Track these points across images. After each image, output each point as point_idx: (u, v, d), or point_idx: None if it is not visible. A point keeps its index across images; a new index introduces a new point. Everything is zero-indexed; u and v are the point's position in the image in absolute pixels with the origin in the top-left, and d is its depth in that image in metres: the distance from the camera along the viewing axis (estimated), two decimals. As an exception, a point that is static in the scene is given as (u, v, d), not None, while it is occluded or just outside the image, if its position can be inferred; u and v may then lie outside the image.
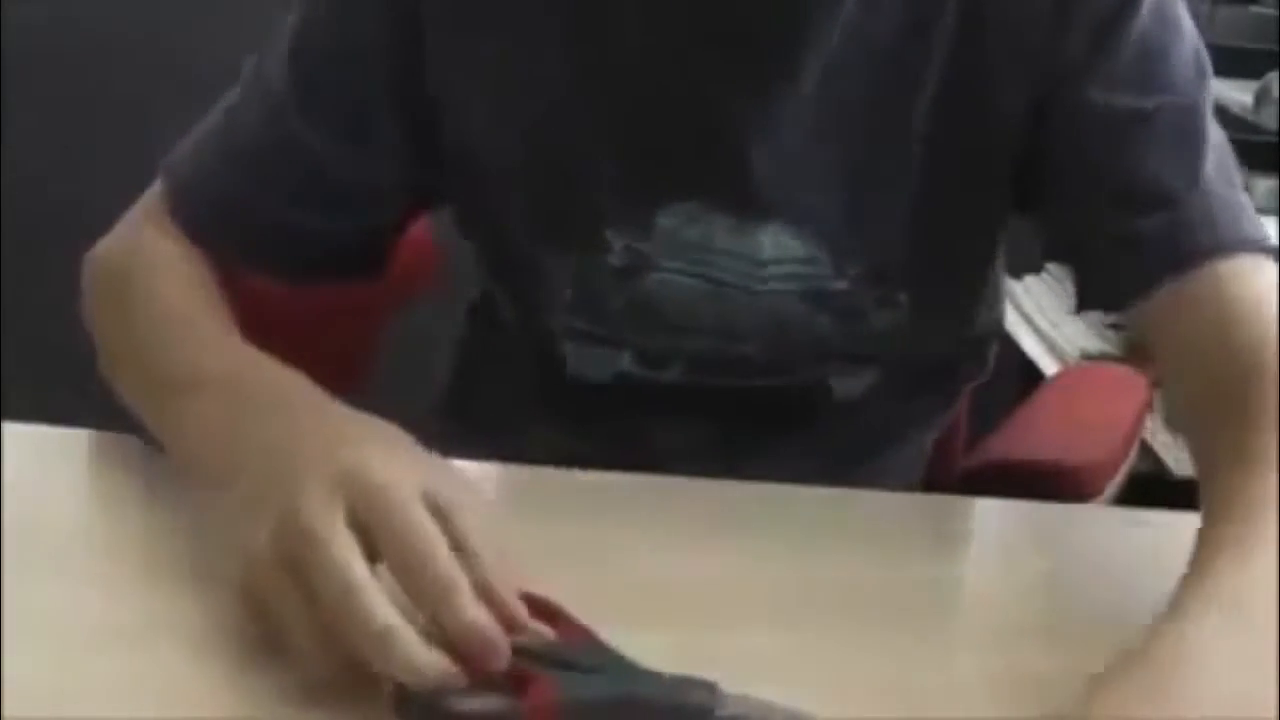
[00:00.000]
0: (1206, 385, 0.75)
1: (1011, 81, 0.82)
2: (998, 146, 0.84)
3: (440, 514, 0.59)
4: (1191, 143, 0.80)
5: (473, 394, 1.03)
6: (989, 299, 0.95)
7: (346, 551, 0.57)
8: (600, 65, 0.83)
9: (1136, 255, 0.79)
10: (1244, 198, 0.81)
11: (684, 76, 0.82)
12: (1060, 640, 0.68)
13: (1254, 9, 2.36)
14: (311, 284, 0.88)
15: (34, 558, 0.69)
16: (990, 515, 0.84)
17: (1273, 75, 2.10)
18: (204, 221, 0.84)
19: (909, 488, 0.98)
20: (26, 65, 2.19)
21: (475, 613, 0.57)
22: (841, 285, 0.85)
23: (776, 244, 0.84)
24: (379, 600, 0.56)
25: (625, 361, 0.89)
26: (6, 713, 0.56)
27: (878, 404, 0.92)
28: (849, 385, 0.91)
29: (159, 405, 0.75)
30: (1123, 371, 1.28)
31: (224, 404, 0.70)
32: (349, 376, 1.11)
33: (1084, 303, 0.84)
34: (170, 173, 0.86)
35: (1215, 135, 0.81)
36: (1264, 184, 2.02)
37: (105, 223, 0.88)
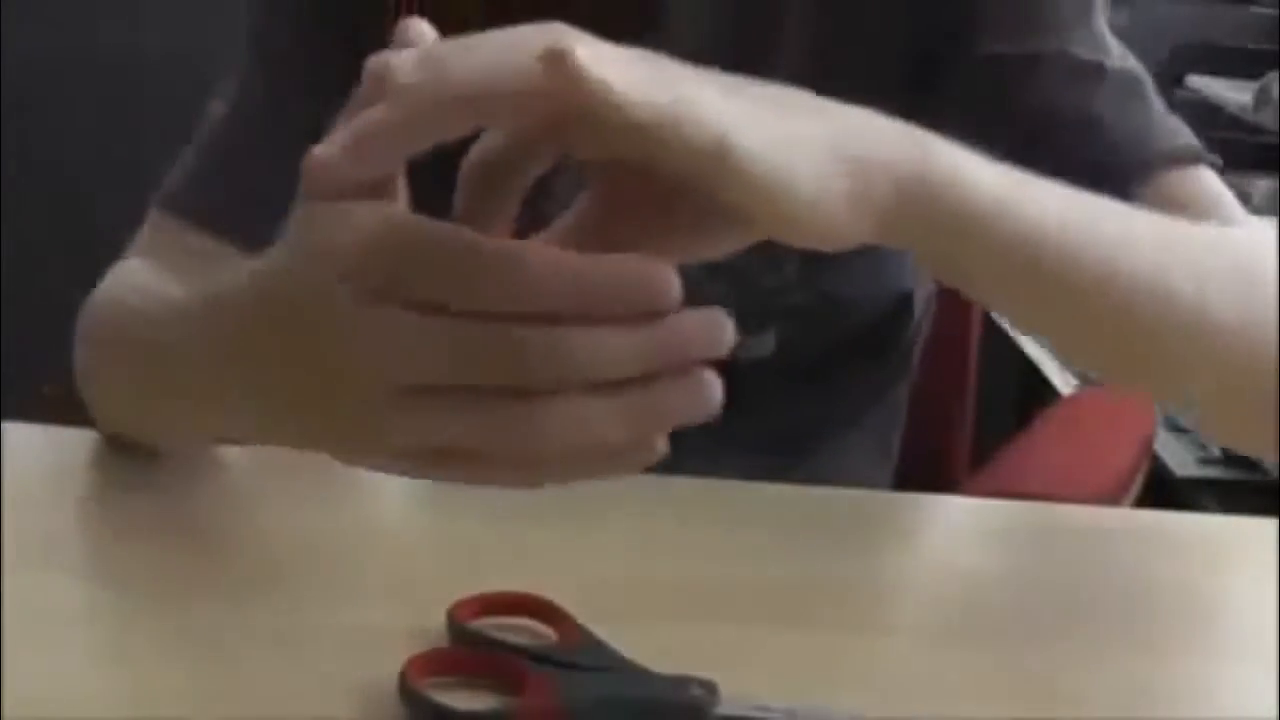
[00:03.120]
0: None
1: (891, 30, 0.81)
2: (876, 95, 0.79)
3: None
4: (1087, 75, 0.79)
5: None
6: (894, 255, 0.92)
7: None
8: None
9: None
10: (1158, 109, 0.80)
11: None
12: (1059, 640, 0.68)
13: (1254, 9, 2.36)
14: None
15: (34, 557, 0.69)
16: (988, 515, 0.84)
17: (1273, 75, 2.11)
18: (205, 210, 0.84)
19: (874, 484, 0.98)
20: (25, 66, 2.20)
21: None
22: None
23: None
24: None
25: None
26: (7, 713, 0.56)
27: (794, 368, 0.90)
28: (750, 349, 0.89)
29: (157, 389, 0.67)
30: (1127, 399, 1.25)
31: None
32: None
33: None
34: (161, 192, 0.86)
35: (1113, 53, 0.80)
36: (1264, 184, 2.01)
37: (106, 220, 0.88)
